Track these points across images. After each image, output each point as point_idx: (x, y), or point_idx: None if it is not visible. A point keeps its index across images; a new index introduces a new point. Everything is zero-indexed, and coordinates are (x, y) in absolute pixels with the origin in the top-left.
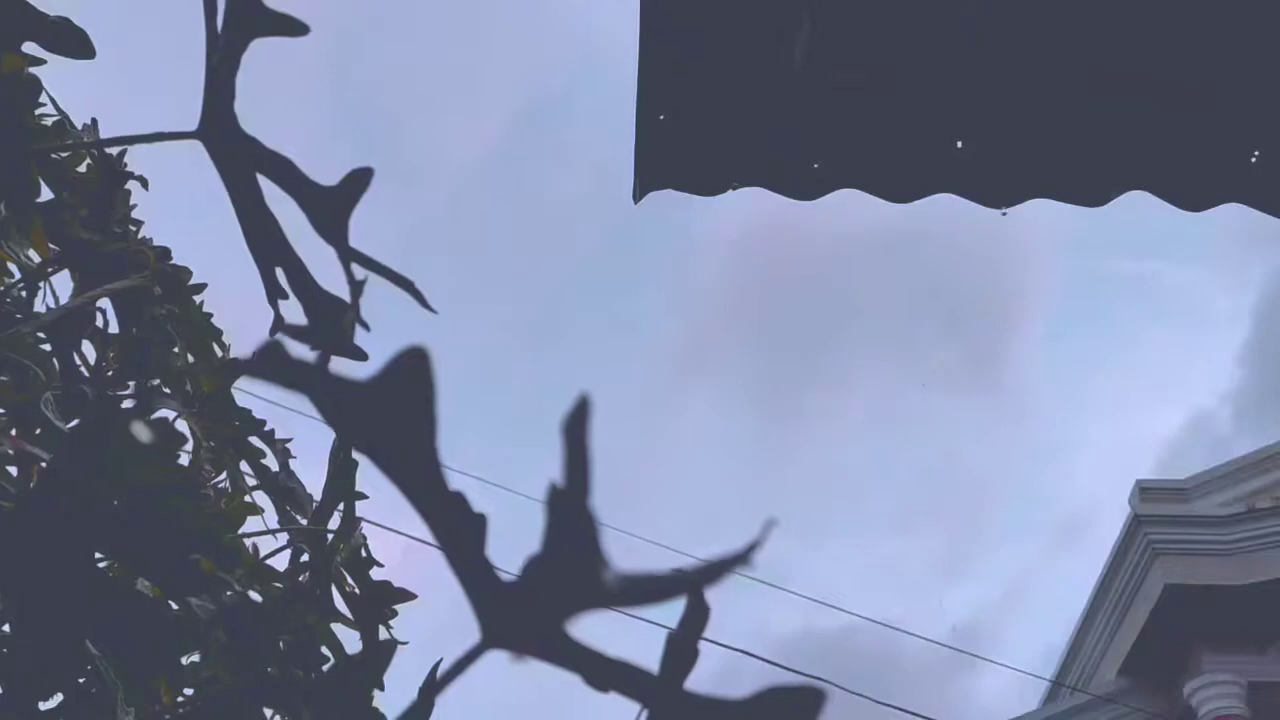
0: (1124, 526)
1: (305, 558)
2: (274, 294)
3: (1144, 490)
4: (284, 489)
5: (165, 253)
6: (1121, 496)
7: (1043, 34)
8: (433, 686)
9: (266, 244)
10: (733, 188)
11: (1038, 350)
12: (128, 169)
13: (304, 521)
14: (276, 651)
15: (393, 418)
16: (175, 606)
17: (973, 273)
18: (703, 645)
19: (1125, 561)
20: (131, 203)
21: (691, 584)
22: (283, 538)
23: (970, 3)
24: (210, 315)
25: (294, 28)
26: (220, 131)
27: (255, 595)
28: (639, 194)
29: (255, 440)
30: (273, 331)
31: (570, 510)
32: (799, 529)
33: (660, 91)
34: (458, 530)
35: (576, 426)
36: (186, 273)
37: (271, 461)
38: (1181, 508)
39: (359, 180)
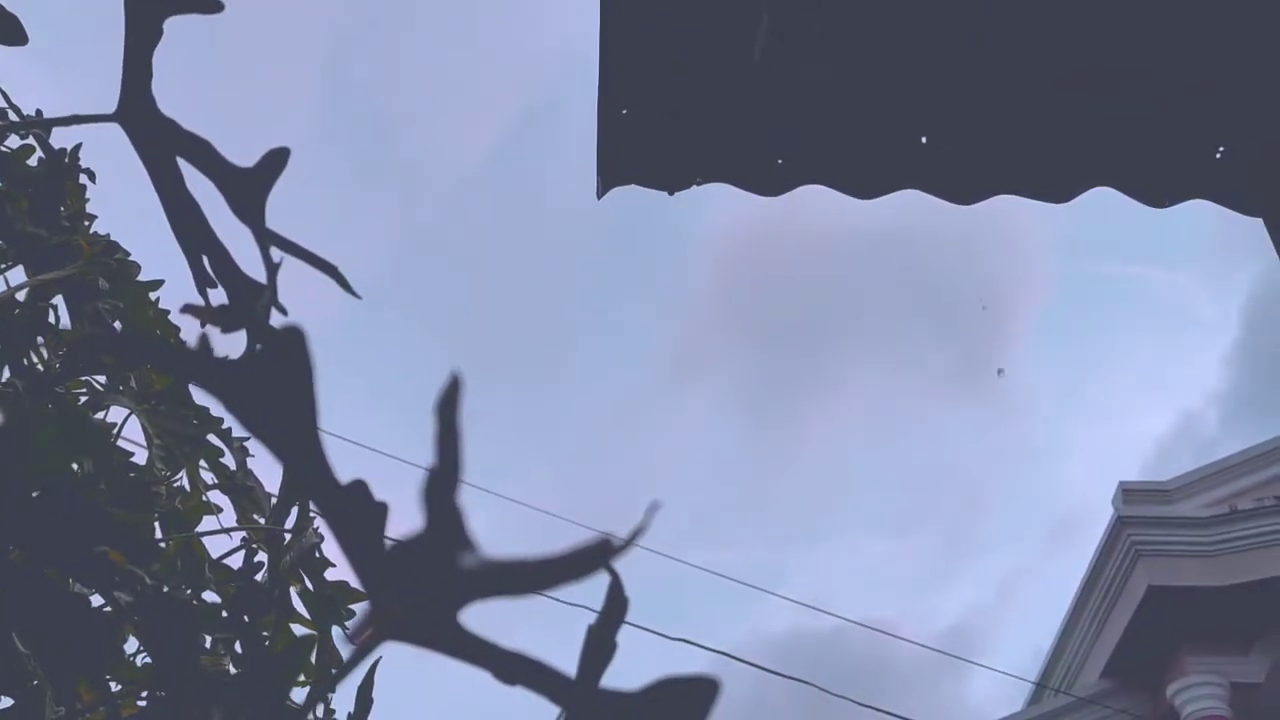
0: (1107, 528)
1: (259, 557)
2: (202, 282)
3: (1127, 492)
4: (241, 488)
5: (111, 245)
6: (1109, 498)
7: (1008, 29)
8: (369, 684)
9: (190, 229)
10: (696, 183)
11: (1029, 353)
12: (80, 163)
13: (261, 521)
14: (197, 648)
15: (273, 402)
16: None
17: (964, 275)
18: (680, 642)
19: (1109, 563)
20: (86, 197)
21: (574, 570)
22: (240, 537)
23: None
24: (167, 312)
25: (208, 5)
26: (138, 114)
27: (194, 592)
28: (602, 190)
29: (213, 438)
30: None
31: (440, 494)
32: (793, 531)
33: (622, 86)
34: (355, 519)
35: (448, 407)
36: (134, 267)
37: (230, 460)
38: (1164, 509)
39: (275, 161)
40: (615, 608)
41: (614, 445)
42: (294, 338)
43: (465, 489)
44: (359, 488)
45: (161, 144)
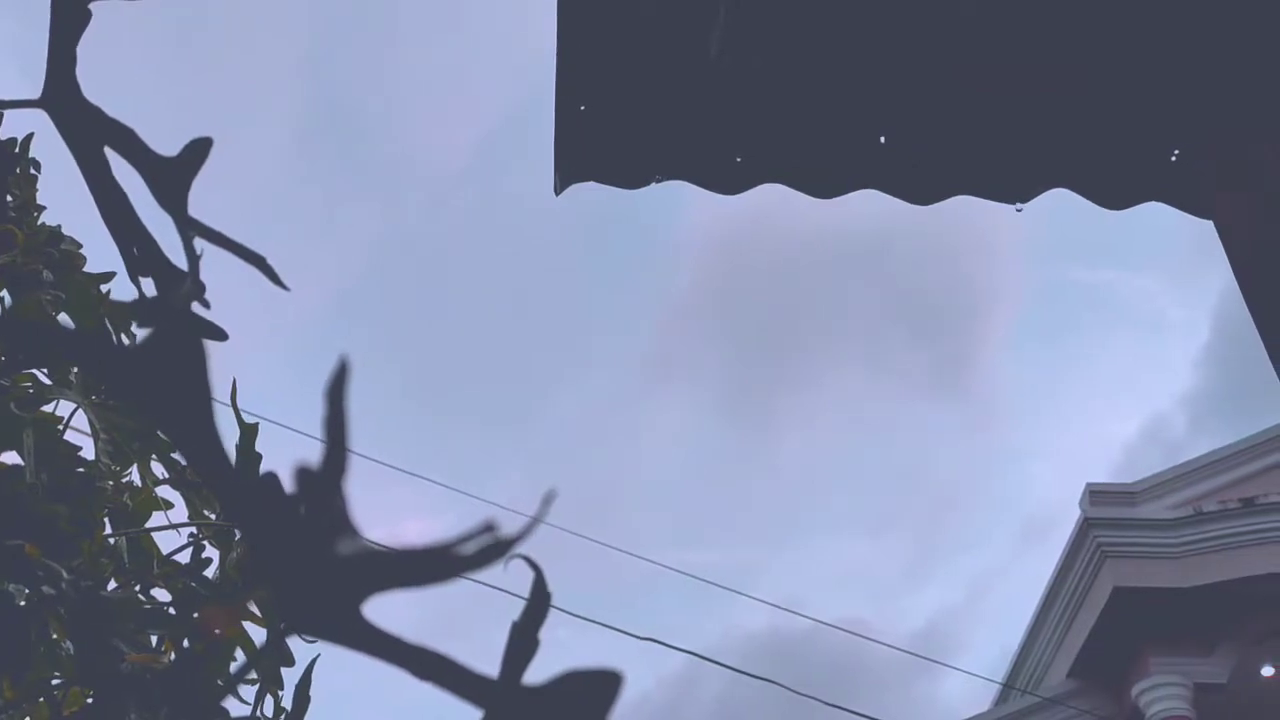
0: (1074, 529)
1: (207, 553)
2: (134, 270)
3: (1093, 494)
4: (192, 483)
5: (55, 235)
6: (1078, 500)
7: (966, 31)
8: (306, 684)
9: (119, 218)
10: (655, 180)
11: (1003, 356)
12: (29, 153)
13: (213, 516)
14: (115, 645)
15: (170, 391)
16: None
17: (942, 280)
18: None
19: (1075, 564)
20: (36, 187)
21: (471, 562)
22: (189, 533)
23: None
24: (119, 304)
25: None
26: (64, 99)
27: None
28: (559, 186)
29: (161, 434)
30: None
31: (327, 483)
32: (770, 531)
33: (580, 82)
34: (261, 513)
35: (336, 391)
36: (79, 257)
37: (180, 455)
38: (1130, 511)
39: (198, 150)
40: (538, 603)
41: (591, 446)
42: (184, 324)
43: (439, 490)
44: (270, 481)
45: (87, 131)
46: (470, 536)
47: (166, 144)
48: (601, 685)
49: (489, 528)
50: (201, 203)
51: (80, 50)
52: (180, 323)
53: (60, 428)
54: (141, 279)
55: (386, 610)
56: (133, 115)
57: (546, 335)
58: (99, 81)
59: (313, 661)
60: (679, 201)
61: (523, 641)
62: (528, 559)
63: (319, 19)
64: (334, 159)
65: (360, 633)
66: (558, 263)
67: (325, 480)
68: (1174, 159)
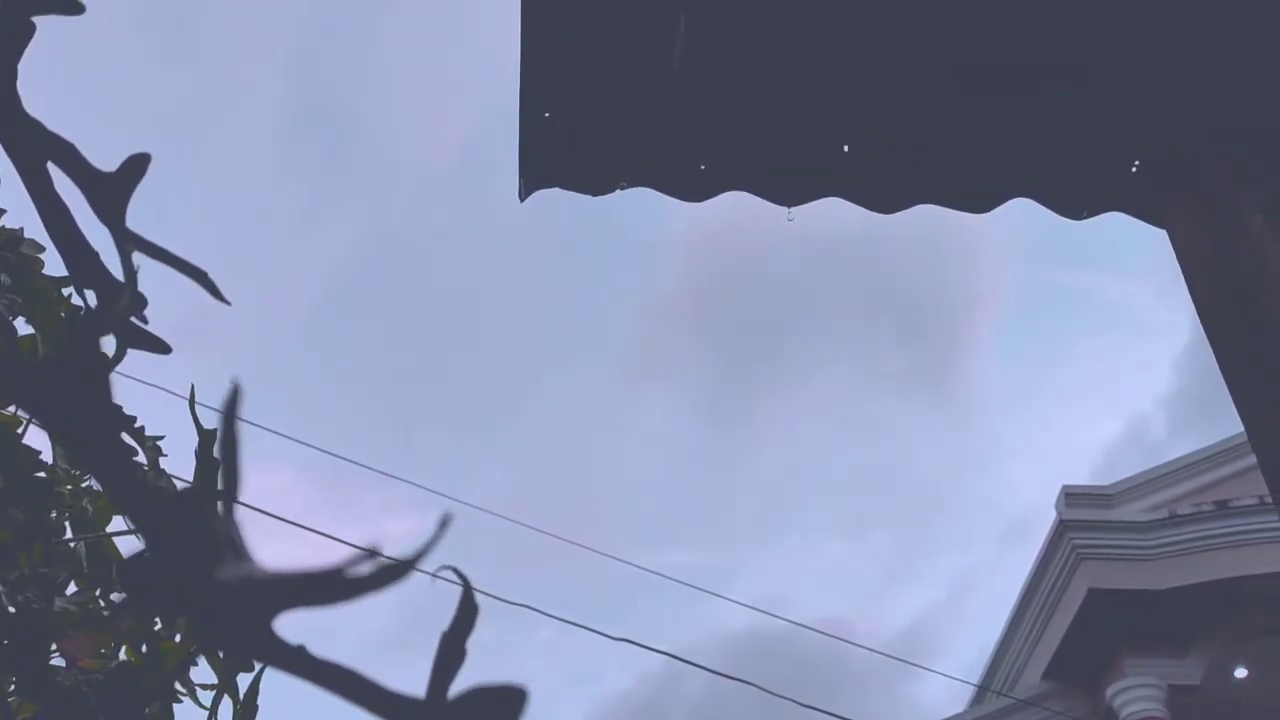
0: (1050, 531)
1: None
2: (80, 282)
3: (1069, 496)
4: (153, 488)
5: (14, 238)
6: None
7: (928, 40)
8: (254, 692)
9: (62, 231)
10: (620, 187)
11: (985, 357)
12: None
13: None
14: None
15: (77, 409)
16: None
17: (925, 281)
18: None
19: (1050, 566)
20: None
21: (367, 583)
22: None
23: (855, 5)
24: (79, 309)
25: (71, 7)
26: (3, 113)
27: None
28: (524, 193)
29: (125, 437)
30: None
31: (224, 505)
32: (751, 531)
33: (545, 89)
34: (165, 531)
35: (229, 412)
36: (38, 261)
37: (143, 459)
38: (1105, 513)
39: (137, 165)
40: (465, 616)
41: (572, 446)
42: (123, 337)
43: (421, 492)
44: (189, 495)
45: (29, 145)
46: (363, 561)
47: (154, 141)
48: (507, 700)
49: (375, 554)
50: (189, 200)
51: (73, 49)
52: (120, 335)
53: (20, 431)
54: (86, 291)
55: (356, 613)
56: (122, 112)
57: (527, 335)
58: (88, 80)
59: (261, 669)
60: (659, 202)
61: (450, 652)
62: (456, 570)
63: (304, 19)
64: (318, 158)
65: (274, 650)
66: (539, 262)
67: (222, 501)
68: (1134, 170)
